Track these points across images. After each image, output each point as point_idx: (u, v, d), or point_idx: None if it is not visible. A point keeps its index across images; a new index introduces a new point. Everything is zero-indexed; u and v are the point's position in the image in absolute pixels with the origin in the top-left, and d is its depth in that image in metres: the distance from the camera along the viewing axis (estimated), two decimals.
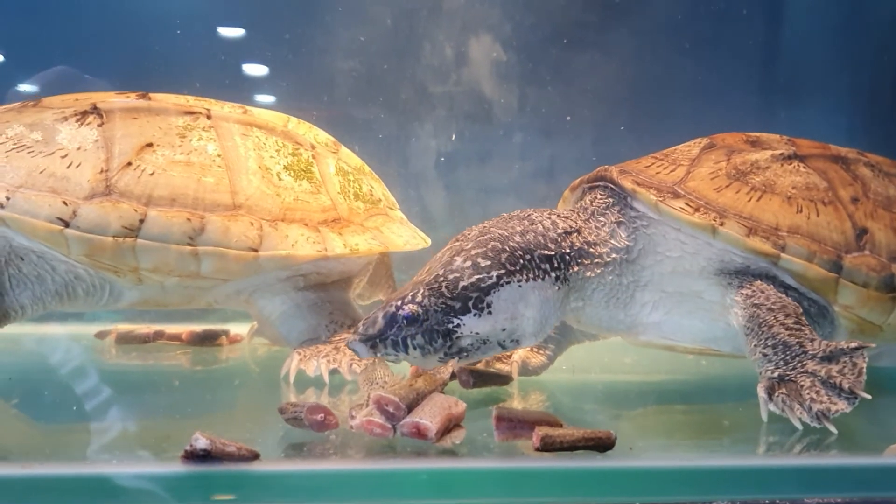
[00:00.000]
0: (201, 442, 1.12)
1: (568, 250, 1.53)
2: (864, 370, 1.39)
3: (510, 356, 1.84)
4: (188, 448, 1.12)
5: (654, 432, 1.52)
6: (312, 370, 1.72)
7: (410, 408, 1.29)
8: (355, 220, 1.89)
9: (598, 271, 1.57)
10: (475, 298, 1.41)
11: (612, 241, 1.59)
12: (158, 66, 2.67)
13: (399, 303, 1.40)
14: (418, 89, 2.83)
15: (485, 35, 2.82)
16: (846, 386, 1.36)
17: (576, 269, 1.54)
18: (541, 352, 1.88)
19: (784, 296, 1.54)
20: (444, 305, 1.40)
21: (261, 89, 2.79)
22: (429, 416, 1.26)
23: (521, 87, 2.87)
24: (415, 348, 1.40)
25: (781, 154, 1.70)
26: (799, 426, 1.35)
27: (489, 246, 1.47)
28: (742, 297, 1.54)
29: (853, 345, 1.42)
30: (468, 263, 1.44)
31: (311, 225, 1.81)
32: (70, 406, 1.58)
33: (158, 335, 2.27)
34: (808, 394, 1.37)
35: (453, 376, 1.71)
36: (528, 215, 1.58)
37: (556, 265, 1.51)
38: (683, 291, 1.63)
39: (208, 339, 2.26)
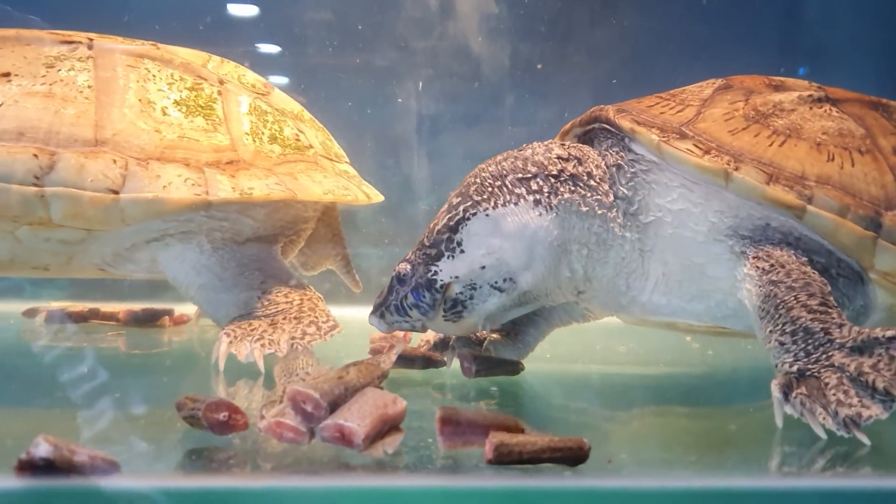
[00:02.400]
0: (42, 448, 0.87)
1: (555, 172, 1.38)
2: None
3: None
4: (24, 456, 0.87)
5: (645, 439, 1.26)
6: (244, 355, 1.47)
7: (336, 406, 1.05)
8: (261, 163, 1.65)
9: (601, 212, 1.38)
10: (446, 240, 1.34)
11: (615, 187, 1.41)
12: (115, 9, 2.45)
13: (397, 264, 1.38)
14: (398, 44, 2.59)
15: None
16: (880, 385, 1.10)
17: (566, 195, 1.37)
18: (498, 336, 1.60)
19: (809, 270, 1.28)
20: (424, 256, 1.35)
21: (222, 42, 2.53)
22: (356, 418, 1.02)
23: (513, 43, 2.63)
24: (411, 308, 1.35)
25: (810, 96, 1.48)
26: (822, 435, 1.10)
27: (465, 183, 1.40)
28: (757, 271, 1.29)
29: (890, 332, 1.16)
30: (445, 207, 1.38)
31: (195, 165, 1.57)
32: None
33: (92, 314, 2.04)
34: (835, 394, 1.11)
35: (421, 360, 1.49)
36: (527, 145, 1.45)
37: (534, 188, 1.36)
38: (686, 264, 1.39)
39: (148, 320, 2.03)
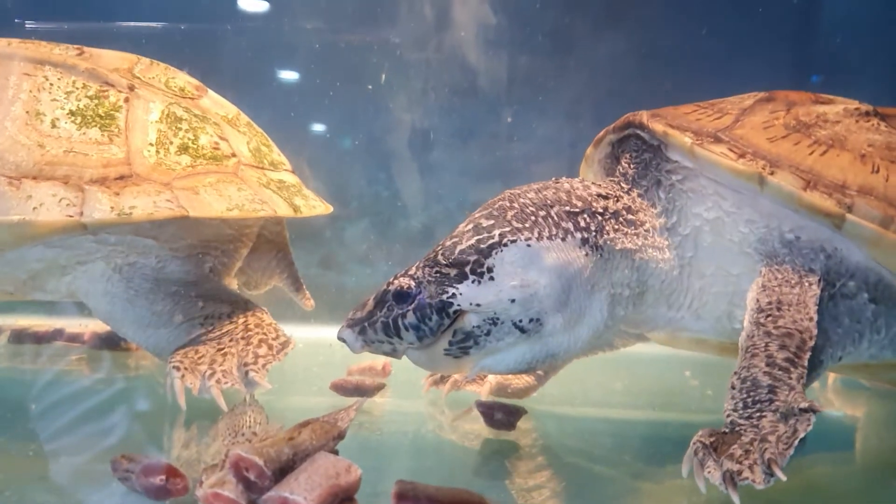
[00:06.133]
0: None
1: (601, 210, 1.30)
2: (797, 441, 1.05)
3: (484, 377, 1.55)
4: None
5: None
6: (198, 389, 1.38)
7: (283, 473, 0.95)
8: (158, 177, 1.51)
9: (639, 242, 1.31)
10: (473, 262, 1.18)
11: (652, 209, 1.36)
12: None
13: (392, 279, 1.20)
14: (392, 55, 2.49)
15: None
16: (766, 456, 1.03)
17: (611, 234, 1.28)
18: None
19: (805, 317, 1.20)
20: (438, 274, 1.18)
21: (209, 54, 2.44)
22: (304, 489, 0.92)
23: (511, 56, 2.53)
24: (407, 329, 1.17)
25: (857, 109, 1.42)
26: (702, 489, 1.03)
27: (496, 206, 1.26)
28: (754, 305, 1.23)
29: (804, 404, 1.09)
30: (469, 227, 1.23)
31: (76, 183, 1.45)
32: None
33: (56, 335, 1.94)
34: (736, 449, 1.05)
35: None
36: (556, 179, 1.36)
37: (582, 225, 1.26)
38: (722, 275, 1.35)
39: (113, 343, 1.93)
